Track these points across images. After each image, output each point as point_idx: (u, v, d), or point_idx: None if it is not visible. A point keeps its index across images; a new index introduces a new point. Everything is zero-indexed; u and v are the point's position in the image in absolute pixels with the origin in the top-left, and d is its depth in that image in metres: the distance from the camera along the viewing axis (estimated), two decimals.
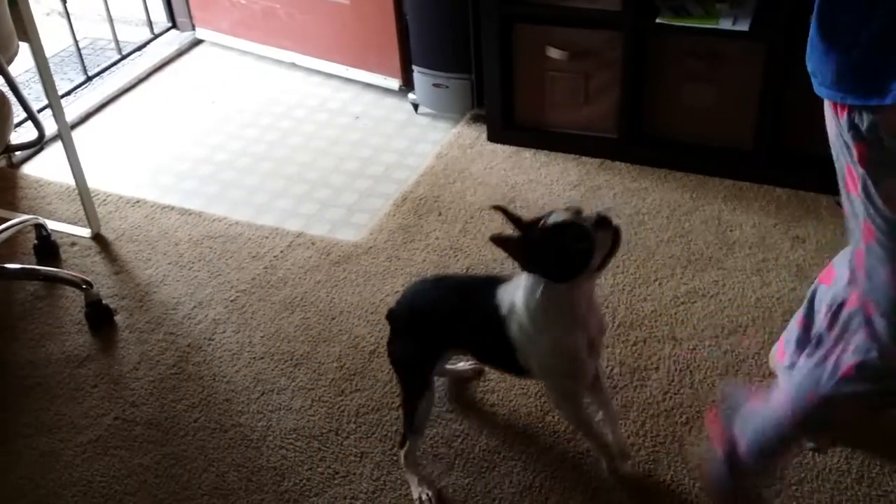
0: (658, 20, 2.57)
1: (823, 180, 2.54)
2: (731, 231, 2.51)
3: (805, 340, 1.81)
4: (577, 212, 1.55)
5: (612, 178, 2.76)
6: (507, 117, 2.95)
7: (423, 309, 1.83)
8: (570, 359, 1.65)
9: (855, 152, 1.26)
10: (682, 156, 2.78)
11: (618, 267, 2.39)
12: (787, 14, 2.43)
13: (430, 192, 2.76)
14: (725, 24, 2.51)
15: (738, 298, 2.27)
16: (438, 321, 1.79)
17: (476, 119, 3.08)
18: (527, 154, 2.91)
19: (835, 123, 1.29)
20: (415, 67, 3.08)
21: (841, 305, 1.60)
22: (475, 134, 3.02)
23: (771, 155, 2.65)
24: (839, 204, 2.59)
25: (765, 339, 2.12)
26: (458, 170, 2.86)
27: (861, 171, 1.27)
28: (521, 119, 2.95)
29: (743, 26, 2.49)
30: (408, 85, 3.21)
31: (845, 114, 1.24)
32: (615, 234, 1.55)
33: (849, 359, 1.43)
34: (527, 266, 1.58)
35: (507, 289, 1.68)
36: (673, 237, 2.50)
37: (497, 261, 2.45)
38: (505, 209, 1.61)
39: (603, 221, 1.53)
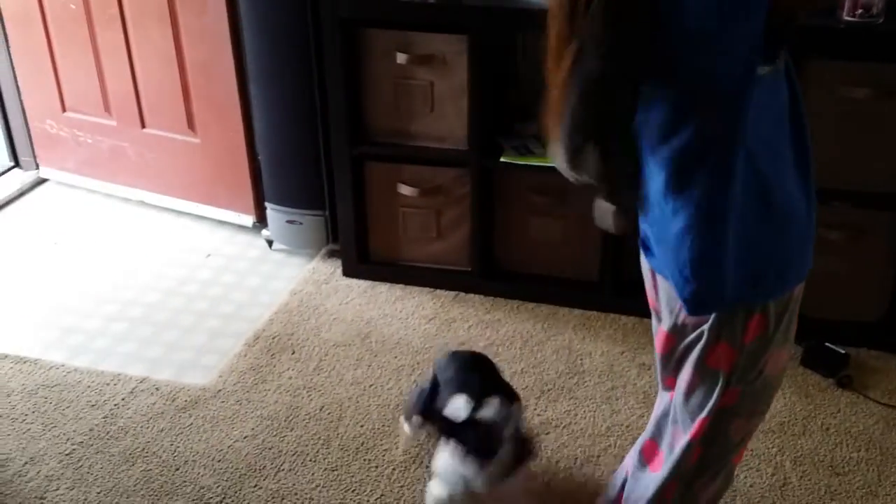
0: (502, 159, 2.68)
1: None
2: (581, 360, 2.56)
3: None
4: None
5: (466, 311, 2.79)
6: (361, 252, 2.96)
7: None
8: None
9: None
10: (533, 287, 2.85)
11: None
12: None
13: (283, 330, 2.71)
14: None
15: (589, 427, 2.29)
16: None
17: (331, 254, 3.08)
18: (382, 288, 2.92)
19: None
20: (268, 204, 3.08)
21: None
22: (330, 269, 3.01)
23: (615, 285, 2.75)
24: None
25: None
26: (313, 306, 2.83)
27: None
28: (376, 254, 2.97)
29: None
30: (262, 221, 3.19)
31: None
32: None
33: None
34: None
35: None
36: (526, 368, 2.53)
37: (352, 399, 2.41)
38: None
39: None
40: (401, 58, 2.64)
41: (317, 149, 2.89)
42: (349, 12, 2.63)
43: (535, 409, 2.36)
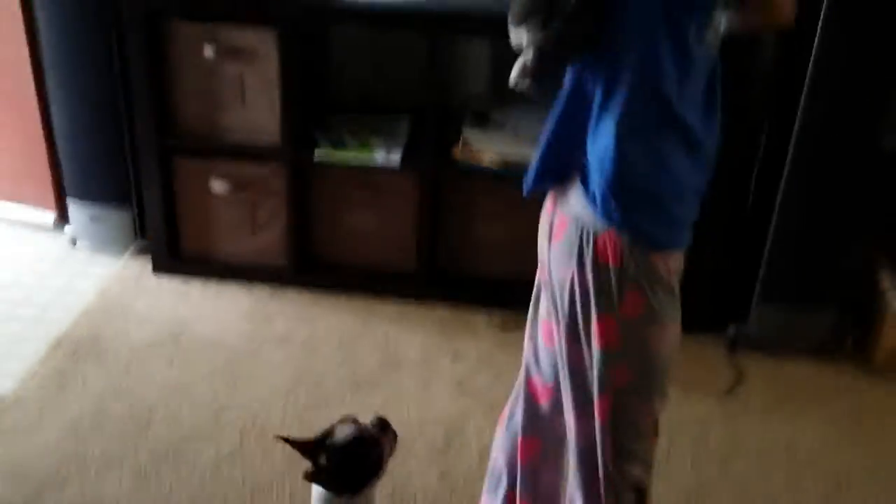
0: (316, 155, 2.67)
1: (478, 298, 2.78)
2: (397, 351, 2.60)
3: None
4: (355, 421, 1.63)
5: (284, 307, 2.77)
6: (172, 249, 2.87)
7: None
8: None
9: None
10: (351, 280, 2.86)
11: (289, 396, 2.38)
12: (434, 145, 2.64)
13: (89, 332, 2.59)
14: (379, 159, 2.65)
15: (403, 417, 2.34)
16: None
17: (141, 251, 2.97)
18: (195, 285, 2.84)
19: None
20: (70, 200, 2.93)
21: None
22: (140, 267, 2.90)
23: (431, 276, 2.81)
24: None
25: (428, 457, 2.20)
26: (122, 306, 2.72)
27: None
28: (188, 250, 2.89)
29: (395, 161, 2.65)
30: (64, 218, 3.03)
31: None
32: (393, 434, 1.66)
33: None
34: (328, 487, 1.60)
35: None
36: (343, 362, 2.54)
37: (161, 401, 2.34)
38: (287, 439, 1.61)
39: (384, 425, 1.64)
40: (209, 50, 2.58)
41: (121, 142, 2.78)
42: (153, 4, 2.54)
43: (350, 402, 2.38)
